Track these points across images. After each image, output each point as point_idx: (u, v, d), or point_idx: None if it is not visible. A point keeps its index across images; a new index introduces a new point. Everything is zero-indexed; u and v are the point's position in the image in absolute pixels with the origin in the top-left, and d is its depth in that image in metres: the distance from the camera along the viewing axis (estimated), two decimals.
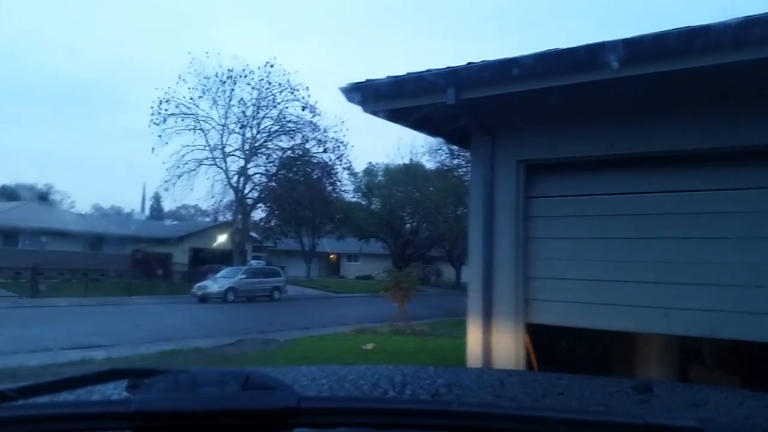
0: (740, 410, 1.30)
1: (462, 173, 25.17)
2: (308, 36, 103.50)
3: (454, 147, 24.10)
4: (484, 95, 5.05)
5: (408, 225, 44.13)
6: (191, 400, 0.91)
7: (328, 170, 36.26)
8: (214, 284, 26.98)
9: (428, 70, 5.18)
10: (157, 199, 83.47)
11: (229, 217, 38.30)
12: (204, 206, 49.99)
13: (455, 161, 28.16)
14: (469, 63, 5.05)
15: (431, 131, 6.59)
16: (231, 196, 34.52)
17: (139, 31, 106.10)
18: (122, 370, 1.11)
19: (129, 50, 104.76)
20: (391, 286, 15.33)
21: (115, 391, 1.22)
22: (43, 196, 37.87)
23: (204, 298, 26.29)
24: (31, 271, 25.15)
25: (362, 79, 5.50)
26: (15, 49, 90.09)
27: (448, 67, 5.08)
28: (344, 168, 36.39)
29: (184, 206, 72.25)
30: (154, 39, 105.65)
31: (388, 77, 5.38)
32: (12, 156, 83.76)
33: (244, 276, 28.19)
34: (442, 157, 33.47)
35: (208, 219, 57.59)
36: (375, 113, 5.73)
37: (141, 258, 34.07)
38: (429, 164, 38.76)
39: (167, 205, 75.12)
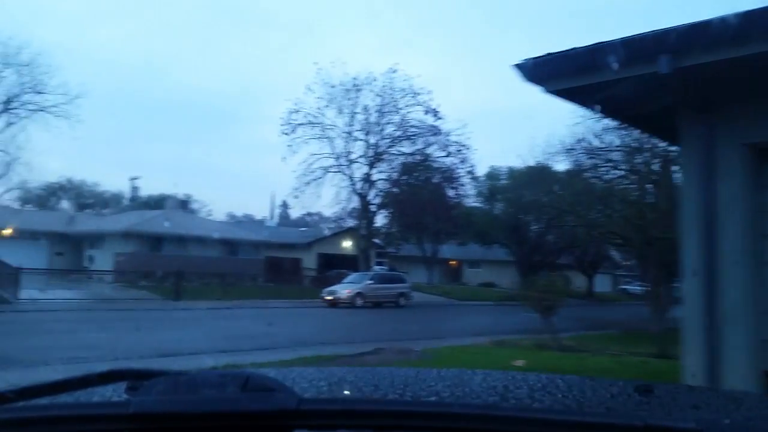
0: (740, 412, 1.28)
1: (604, 171, 23.31)
2: (411, 43, 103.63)
3: (593, 145, 22.34)
4: (710, 61, 4.03)
5: (534, 230, 42.14)
6: (191, 402, 0.91)
7: (449, 175, 35.56)
8: (343, 289, 27.17)
9: (633, 36, 4.25)
10: (284, 206, 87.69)
11: (351, 223, 38.80)
12: (327, 213, 51.30)
13: (590, 161, 26.19)
14: (690, 22, 4.06)
15: (622, 114, 5.61)
16: (355, 202, 34.83)
17: (269, 49, 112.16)
18: (122, 372, 1.11)
19: (261, 67, 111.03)
20: (535, 296, 14.20)
21: (114, 393, 1.19)
22: (185, 205, 40.45)
23: (333, 303, 26.54)
24: (174, 276, 26.72)
25: (543, 53, 4.68)
26: (159, 71, 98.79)
27: (662, 29, 4.12)
28: (467, 171, 35.48)
29: (309, 213, 75.13)
30: (283, 54, 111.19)
31: (578, 48, 4.51)
32: (157, 167, 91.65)
33: (371, 281, 28.16)
34: (578, 158, 31.40)
35: (331, 226, 59.25)
36: (557, 93, 4.88)
37: (273, 263, 35.31)
38: (562, 165, 36.74)
39: (294, 213, 78.50)
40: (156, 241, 33.20)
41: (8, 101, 20.55)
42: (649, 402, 1.30)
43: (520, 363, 9.96)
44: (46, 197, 60.12)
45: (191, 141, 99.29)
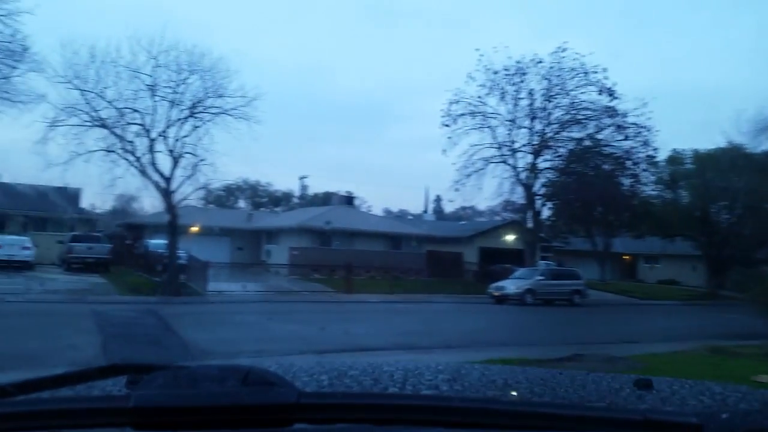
0: (740, 406, 1.28)
1: None
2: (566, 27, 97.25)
3: None
4: None
5: (726, 220, 37.15)
6: (191, 396, 0.91)
7: (623, 161, 32.48)
8: (512, 285, 25.85)
9: None
10: (438, 201, 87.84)
11: (514, 216, 37.16)
12: (482, 207, 49.95)
13: None
14: None
15: None
16: (519, 193, 33.14)
17: (423, 45, 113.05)
18: (122, 366, 1.12)
19: (415, 64, 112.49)
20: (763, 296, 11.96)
21: (115, 387, 1.16)
22: (350, 201, 41.63)
23: (501, 299, 25.37)
24: (344, 269, 27.33)
25: None
26: (321, 74, 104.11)
27: None
28: (647, 156, 32.14)
29: (463, 207, 74.23)
30: (437, 50, 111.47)
31: None
32: (321, 166, 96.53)
33: (541, 277, 26.50)
34: None
35: (483, 219, 57.66)
36: None
37: (435, 257, 34.92)
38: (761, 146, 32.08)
39: (448, 207, 78.10)
40: (325, 235, 34.41)
41: (194, 106, 21.99)
42: (649, 396, 1.27)
43: (765, 379, 8.17)
44: (225, 197, 65.73)
45: (350, 140, 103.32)
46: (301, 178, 51.02)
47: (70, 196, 34.91)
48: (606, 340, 14.60)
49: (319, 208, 42.23)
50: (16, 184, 35.46)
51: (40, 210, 33.51)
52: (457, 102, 31.59)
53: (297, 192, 63.05)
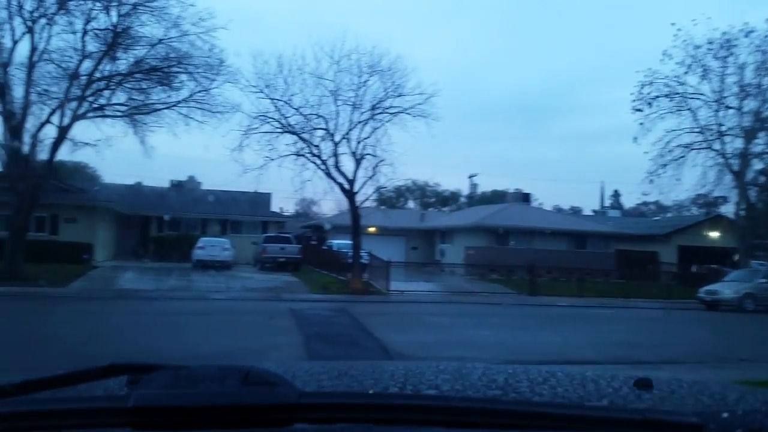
0: (740, 405, 1.28)
1: None
2: None
3: None
4: None
5: None
6: (191, 395, 0.91)
7: None
8: (727, 289, 22.40)
9: None
10: (616, 196, 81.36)
11: (692, 211, 32.60)
12: (667, 201, 44.86)
13: None
14: None
15: None
16: (727, 183, 28.85)
17: (592, 32, 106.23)
18: (122, 366, 1.12)
19: (583, 53, 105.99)
20: None
21: (115, 386, 1.19)
22: (526, 198, 39.74)
23: (713, 305, 22.11)
24: (527, 270, 25.85)
25: None
26: (481, 71, 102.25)
27: None
28: None
29: (645, 203, 67.87)
30: (601, 40, 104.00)
31: None
32: (485, 164, 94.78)
33: (764, 280, 22.64)
34: None
35: (669, 215, 51.79)
36: None
37: (625, 256, 31.83)
38: None
39: (628, 202, 72.11)
40: (502, 234, 33.08)
41: (373, 107, 22.11)
42: (648, 395, 1.27)
43: None
44: (395, 198, 66.98)
45: (515, 136, 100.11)
46: (471, 176, 49.95)
47: (262, 200, 37.63)
48: None
49: (493, 206, 40.91)
50: (215, 190, 39.14)
51: (235, 213, 36.53)
52: (650, 84, 28.38)
53: (466, 191, 62.16)
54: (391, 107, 22.71)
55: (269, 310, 16.15)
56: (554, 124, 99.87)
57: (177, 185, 40.76)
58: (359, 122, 22.81)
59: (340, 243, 30.98)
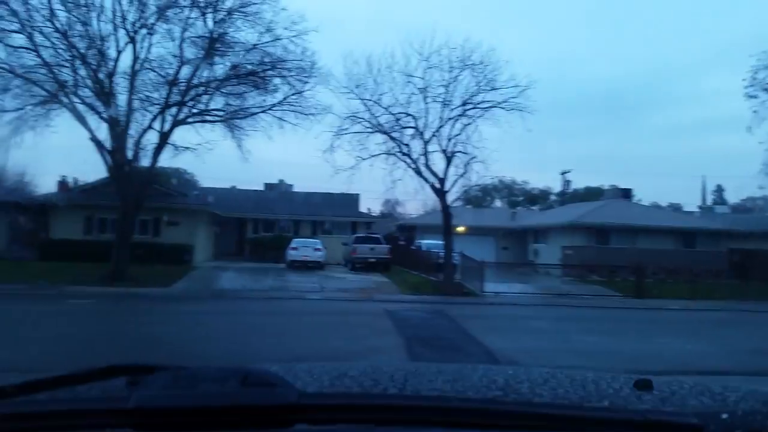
0: (740, 406, 1.26)
1: None
2: None
3: None
4: None
5: None
6: (190, 396, 0.91)
7: None
8: None
9: None
10: (719, 191, 75.63)
11: None
12: None
13: None
14: None
15: None
16: None
17: (688, 22, 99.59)
18: (123, 367, 1.11)
19: (677, 43, 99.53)
20: None
21: (115, 387, 1.16)
22: (626, 194, 37.45)
23: None
24: (631, 270, 24.22)
25: None
26: (566, 67, 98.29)
27: None
28: None
29: (751, 198, 62.61)
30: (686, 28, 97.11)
31: None
32: (571, 160, 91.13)
33: None
34: None
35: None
36: None
37: (742, 256, 29.21)
38: None
39: (733, 197, 66.98)
40: (601, 233, 31.32)
41: (465, 103, 21.46)
42: (649, 396, 1.27)
43: None
44: (481, 197, 65.58)
45: (604, 131, 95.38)
46: (563, 173, 47.82)
47: (351, 201, 37.87)
48: None
49: (591, 203, 38.89)
50: (305, 192, 39.82)
51: (325, 215, 36.95)
52: (765, 68, 25.85)
53: (556, 188, 59.87)
54: (483, 102, 21.99)
55: (365, 311, 15.94)
56: (649, 116, 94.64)
57: (270, 187, 41.89)
58: (449, 119, 22.25)
59: (429, 243, 30.50)
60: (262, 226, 35.89)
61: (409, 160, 22.27)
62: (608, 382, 1.40)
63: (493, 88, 21.56)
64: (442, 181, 22.34)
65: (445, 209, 22.58)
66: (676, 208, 55.42)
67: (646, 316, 17.75)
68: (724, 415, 1.08)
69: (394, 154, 22.32)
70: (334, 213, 36.99)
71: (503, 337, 11.91)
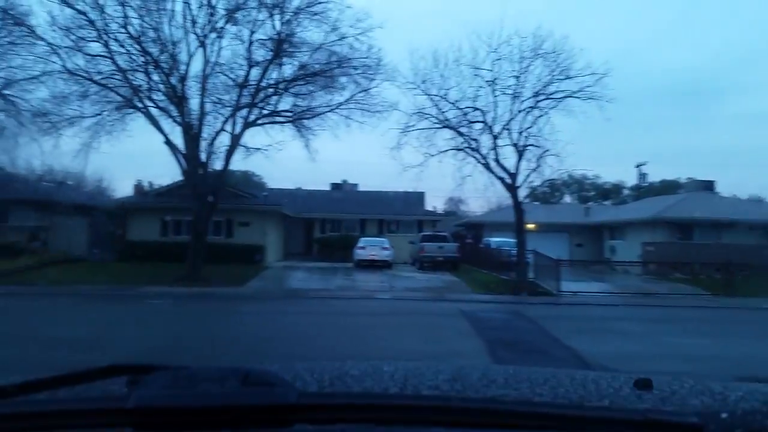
0: (741, 405, 1.25)
1: None
2: None
3: None
4: None
5: None
6: (190, 396, 0.90)
7: None
8: None
9: None
10: None
11: None
12: None
13: None
14: None
15: None
16: None
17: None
18: (122, 366, 1.11)
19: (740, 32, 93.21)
20: None
21: (115, 387, 1.15)
22: (709, 186, 35.22)
23: None
24: (719, 267, 22.64)
25: None
26: (634, 59, 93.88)
27: None
28: None
29: None
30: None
31: None
32: (650, 152, 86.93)
33: None
34: None
35: None
36: None
37: None
38: None
39: None
40: (685, 228, 29.57)
41: (536, 94, 20.66)
42: (649, 395, 1.26)
43: None
44: (550, 193, 63.63)
45: (680, 121, 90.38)
46: (638, 165, 45.41)
47: (416, 199, 37.48)
48: None
49: (672, 196, 36.87)
50: (370, 191, 39.73)
51: (391, 213, 36.72)
52: None
53: (630, 182, 57.29)
54: (556, 92, 21.10)
55: (439, 311, 15.51)
56: (726, 105, 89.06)
57: (335, 187, 42.11)
58: (520, 111, 21.49)
59: (499, 241, 29.70)
60: (329, 225, 36.07)
61: (478, 156, 21.69)
62: (608, 382, 1.39)
63: (568, 77, 20.68)
64: (513, 176, 21.61)
65: (517, 205, 21.85)
66: (758, 200, 51.79)
67: (742, 316, 16.48)
68: (724, 415, 1.07)
69: (462, 150, 21.79)
70: (399, 211, 36.71)
71: (590, 340, 11.19)
